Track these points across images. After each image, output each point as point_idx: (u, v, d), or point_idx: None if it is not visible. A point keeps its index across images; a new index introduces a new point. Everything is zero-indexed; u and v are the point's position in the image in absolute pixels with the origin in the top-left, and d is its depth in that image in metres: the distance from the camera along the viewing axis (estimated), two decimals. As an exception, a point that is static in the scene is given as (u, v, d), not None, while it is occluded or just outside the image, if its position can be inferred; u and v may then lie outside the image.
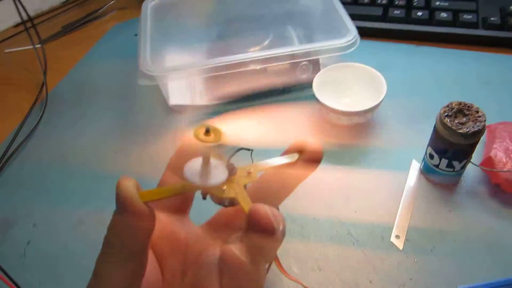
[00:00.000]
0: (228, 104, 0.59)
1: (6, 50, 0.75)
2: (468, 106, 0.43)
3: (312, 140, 0.30)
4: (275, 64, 0.54)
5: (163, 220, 0.30)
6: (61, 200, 0.51)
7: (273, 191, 0.30)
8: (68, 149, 0.57)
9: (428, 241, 0.43)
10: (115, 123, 0.60)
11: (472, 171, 0.47)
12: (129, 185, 0.25)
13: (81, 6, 0.86)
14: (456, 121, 0.42)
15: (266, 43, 0.60)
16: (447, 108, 0.43)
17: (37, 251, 0.47)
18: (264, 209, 0.24)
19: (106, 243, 0.26)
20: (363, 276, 0.41)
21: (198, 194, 0.31)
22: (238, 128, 0.28)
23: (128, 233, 0.25)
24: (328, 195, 0.48)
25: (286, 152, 0.29)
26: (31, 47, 0.69)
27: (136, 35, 0.75)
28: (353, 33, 0.54)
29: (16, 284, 0.43)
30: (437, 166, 0.46)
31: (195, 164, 0.26)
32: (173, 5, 0.67)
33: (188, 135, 0.29)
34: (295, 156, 0.29)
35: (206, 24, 0.67)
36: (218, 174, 0.26)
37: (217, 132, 0.25)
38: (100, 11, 0.82)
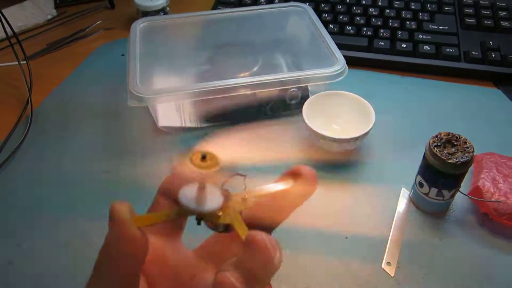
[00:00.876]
0: (218, 126, 0.59)
1: (-11, 66, 0.73)
2: (456, 137, 0.44)
3: (307, 168, 0.30)
4: (264, 90, 0.55)
5: (155, 243, 0.29)
6: (47, 221, 0.49)
7: (267, 217, 0.30)
8: (54, 168, 0.55)
9: (419, 269, 0.44)
10: (103, 142, 0.59)
11: (460, 199, 0.49)
12: (123, 210, 0.25)
13: (66, 24, 0.85)
14: (446, 151, 0.43)
15: (255, 69, 0.61)
16: (436, 138, 0.45)
17: (20, 272, 0.45)
18: (262, 237, 0.24)
19: (97, 267, 0.25)
20: (354, 304, 0.41)
21: (191, 218, 0.30)
22: (232, 152, 0.28)
23: (120, 259, 0.25)
24: (319, 220, 0.48)
25: (281, 179, 0.29)
26: (15, 63, 0.68)
27: (123, 55, 0.75)
28: (341, 62, 0.56)
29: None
30: (426, 194, 0.47)
31: (190, 189, 0.26)
32: (162, 27, 0.67)
33: (180, 160, 0.29)
34: (290, 183, 0.29)
35: (195, 47, 0.68)
36: (213, 199, 0.26)
37: (213, 158, 0.25)
38: (86, 30, 0.82)
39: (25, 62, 0.69)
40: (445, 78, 0.67)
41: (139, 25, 0.65)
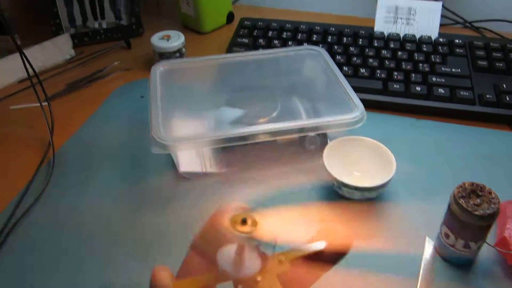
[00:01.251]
0: (238, 172, 0.60)
1: (12, 107, 0.75)
2: (481, 187, 0.45)
3: (340, 229, 0.30)
4: (284, 137, 0.56)
5: None
6: (70, 268, 0.50)
7: (299, 279, 0.31)
8: (76, 214, 0.56)
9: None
10: (124, 188, 0.59)
11: (486, 250, 0.48)
12: (165, 277, 0.25)
13: (84, 65, 0.87)
14: (471, 202, 0.44)
15: (274, 114, 0.62)
16: (461, 189, 0.45)
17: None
18: None
19: None
20: None
21: None
22: (255, 204, 0.28)
23: None
24: (343, 271, 0.48)
25: (314, 239, 0.30)
26: (37, 104, 0.69)
27: (142, 96, 0.76)
28: (360, 108, 0.57)
29: None
30: (453, 246, 0.46)
31: (228, 251, 0.26)
32: (180, 71, 0.69)
33: (217, 216, 0.30)
34: (324, 243, 0.30)
35: (213, 91, 0.69)
36: (251, 263, 0.26)
37: (254, 223, 0.25)
38: (104, 71, 0.84)
39: (46, 103, 0.71)
40: (461, 121, 0.68)
41: (159, 69, 0.66)
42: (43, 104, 0.69)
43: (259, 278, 0.26)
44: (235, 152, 0.59)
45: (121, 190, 0.59)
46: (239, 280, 0.26)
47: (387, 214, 0.54)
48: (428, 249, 0.50)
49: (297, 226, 0.29)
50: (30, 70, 0.69)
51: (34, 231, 0.54)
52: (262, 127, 0.55)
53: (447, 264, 0.49)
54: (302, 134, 0.57)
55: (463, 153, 0.62)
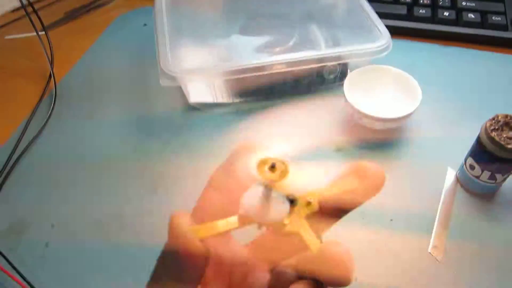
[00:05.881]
0: (252, 102, 0.57)
1: (7, 37, 0.70)
2: (515, 119, 0.42)
3: (373, 166, 0.28)
4: (300, 68, 0.52)
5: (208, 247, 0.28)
6: (79, 200, 0.48)
7: (326, 217, 0.28)
8: (82, 145, 0.54)
9: (467, 253, 0.42)
10: (132, 118, 0.57)
11: (509, 182, 0.46)
12: (183, 224, 0.23)
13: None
14: (504, 135, 0.41)
15: (291, 43, 0.58)
16: (493, 121, 0.42)
17: (57, 253, 0.44)
18: (339, 249, 0.22)
19: (155, 277, 0.24)
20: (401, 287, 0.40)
21: None
22: (270, 135, 0.26)
23: (181, 272, 0.23)
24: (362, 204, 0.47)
25: (344, 176, 0.27)
26: (34, 34, 0.65)
27: (145, 25, 0.71)
28: (385, 36, 0.52)
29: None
30: (477, 177, 0.44)
31: (252, 195, 0.24)
32: (189, -3, 0.63)
33: (236, 154, 0.27)
34: (355, 182, 0.27)
35: (225, 19, 0.64)
36: (279, 208, 0.24)
37: (283, 169, 0.22)
38: (104, -3, 0.78)
39: (43, 32, 0.66)
40: (491, 48, 0.63)
41: (165, -5, 0.61)
42: (40, 33, 0.64)
43: (286, 222, 0.24)
44: (248, 82, 0.56)
45: (128, 121, 0.56)
46: (264, 224, 0.24)
47: (408, 144, 0.52)
48: (450, 179, 0.48)
49: (323, 174, 0.27)
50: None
51: (38, 164, 0.52)
52: (278, 58, 0.51)
53: (469, 195, 0.47)
54: (322, 65, 0.52)
55: (494, 82, 0.58)
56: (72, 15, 0.75)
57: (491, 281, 0.41)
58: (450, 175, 0.49)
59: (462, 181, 0.47)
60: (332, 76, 0.56)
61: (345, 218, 0.46)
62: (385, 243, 0.44)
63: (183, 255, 0.23)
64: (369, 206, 0.46)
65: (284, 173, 0.22)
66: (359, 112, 0.49)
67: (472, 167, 0.45)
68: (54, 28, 0.72)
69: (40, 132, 0.55)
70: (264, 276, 0.26)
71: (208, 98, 0.57)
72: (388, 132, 0.52)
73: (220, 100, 0.57)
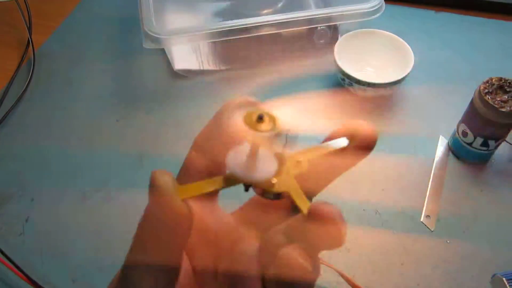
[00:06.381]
0: (239, 69, 0.55)
1: (-18, 1, 0.67)
2: (509, 83, 0.41)
3: (365, 124, 0.26)
4: (291, 29, 0.50)
5: (192, 208, 0.27)
6: (60, 172, 0.47)
7: (316, 178, 0.27)
8: (62, 115, 0.52)
9: (460, 222, 0.42)
10: (114, 87, 0.55)
11: (502, 149, 0.46)
12: (166, 181, 0.21)
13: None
14: (498, 99, 0.40)
15: (279, 5, 0.56)
16: (487, 84, 0.41)
17: (37, 228, 0.43)
18: (329, 209, 0.21)
19: (136, 243, 0.22)
20: (394, 258, 0.40)
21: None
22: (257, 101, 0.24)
23: (163, 236, 0.22)
24: (353, 172, 0.46)
25: (333, 136, 0.26)
26: (11, -1, 0.62)
27: (129, -12, 0.68)
28: (378, -5, 0.50)
29: (15, 264, 0.39)
30: (470, 144, 0.44)
31: (239, 153, 0.22)
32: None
33: (219, 114, 0.26)
34: (345, 141, 0.25)
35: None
36: (266, 165, 0.22)
37: (272, 120, 0.21)
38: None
39: (20, -3, 0.63)
40: (484, 14, 0.61)
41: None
42: (19, -1, 0.61)
43: (274, 181, 0.22)
44: (235, 47, 0.54)
45: (110, 90, 0.54)
46: (254, 183, 0.22)
47: (400, 112, 0.51)
48: (441, 147, 0.47)
49: (318, 118, 0.25)
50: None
51: (17, 135, 0.50)
52: (266, 18, 0.49)
53: (461, 163, 0.46)
54: (312, 26, 0.50)
55: (487, 48, 0.57)
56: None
57: (484, 249, 0.40)
58: (442, 144, 0.48)
59: (454, 149, 0.46)
60: (322, 41, 0.54)
61: (335, 186, 0.45)
62: (377, 213, 0.43)
63: (166, 215, 0.21)
64: (361, 175, 0.45)
65: (273, 123, 0.20)
66: (350, 77, 0.48)
67: (464, 134, 0.44)
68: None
69: (17, 102, 0.52)
70: (252, 244, 0.25)
71: (194, 65, 0.55)
72: (379, 99, 0.51)
73: (207, 67, 0.55)
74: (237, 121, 0.21)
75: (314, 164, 0.26)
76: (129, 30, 0.60)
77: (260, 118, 0.20)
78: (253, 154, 0.21)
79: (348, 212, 0.43)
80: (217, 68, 0.55)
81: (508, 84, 0.40)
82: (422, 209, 0.43)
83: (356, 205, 0.43)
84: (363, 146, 0.25)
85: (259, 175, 0.21)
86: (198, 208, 0.26)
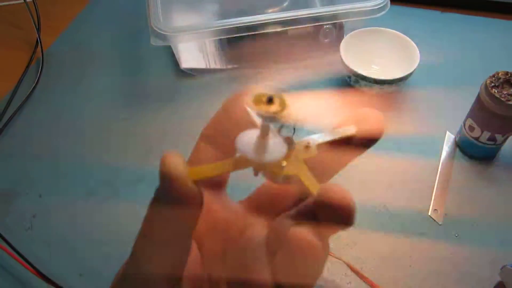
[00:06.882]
0: (246, 68, 0.55)
1: (-8, 4, 0.68)
2: (516, 76, 0.41)
3: (373, 112, 0.26)
4: (296, 27, 0.50)
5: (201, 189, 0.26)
6: (68, 169, 0.47)
7: (324, 166, 0.27)
8: (70, 114, 0.52)
9: (468, 216, 0.42)
10: (122, 86, 0.55)
11: (509, 143, 0.45)
12: (177, 162, 0.21)
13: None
14: (505, 92, 0.40)
15: (285, 4, 0.56)
16: (494, 78, 0.41)
17: (44, 224, 0.43)
18: (339, 188, 0.21)
19: (146, 225, 0.22)
20: (402, 251, 0.40)
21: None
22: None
23: (174, 218, 0.22)
24: (361, 167, 0.46)
25: (342, 123, 0.26)
26: (21, 1, 0.63)
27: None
28: (384, -6, 0.50)
29: (23, 258, 0.39)
30: (477, 138, 0.44)
31: (248, 136, 0.22)
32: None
33: (229, 101, 0.26)
34: (353, 129, 0.25)
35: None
36: (276, 148, 0.22)
37: (282, 102, 0.21)
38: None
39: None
40: (489, 14, 0.62)
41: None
42: (28, 0, 0.62)
43: (284, 164, 0.22)
44: (241, 46, 0.54)
45: (118, 87, 0.55)
46: (261, 165, 0.22)
47: (406, 108, 0.51)
48: (448, 143, 0.47)
49: (325, 111, 0.25)
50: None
51: (25, 133, 0.51)
52: (272, 16, 0.49)
53: (469, 159, 0.46)
54: (317, 24, 0.51)
55: (492, 47, 0.57)
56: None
57: (493, 243, 0.40)
58: (449, 140, 0.48)
59: (461, 145, 0.46)
60: (328, 40, 0.54)
61: (341, 181, 0.45)
62: (385, 208, 0.43)
63: (177, 195, 0.21)
64: (368, 172, 0.45)
65: (283, 104, 0.20)
66: (356, 74, 0.48)
67: (471, 128, 0.44)
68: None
69: (26, 100, 0.53)
70: (260, 230, 0.25)
71: (201, 64, 0.55)
72: (385, 97, 0.51)
73: (213, 66, 0.55)
74: (247, 107, 0.21)
75: (323, 149, 0.26)
76: (137, 31, 0.61)
77: (270, 100, 0.21)
78: (263, 135, 0.22)
79: (356, 206, 0.43)
80: (224, 67, 0.55)
81: (514, 78, 0.41)
82: (430, 204, 0.43)
83: (364, 201, 0.43)
84: (369, 135, 0.25)
85: (269, 156, 0.21)
86: (206, 197, 0.27)
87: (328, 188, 0.21)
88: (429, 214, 0.42)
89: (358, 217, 0.45)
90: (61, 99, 0.54)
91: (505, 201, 0.43)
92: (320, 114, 0.23)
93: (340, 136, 0.25)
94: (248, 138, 0.22)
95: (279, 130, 0.23)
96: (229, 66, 0.55)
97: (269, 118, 0.21)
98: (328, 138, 0.25)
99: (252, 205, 0.28)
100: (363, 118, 0.25)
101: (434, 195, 0.43)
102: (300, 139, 0.24)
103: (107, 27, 0.63)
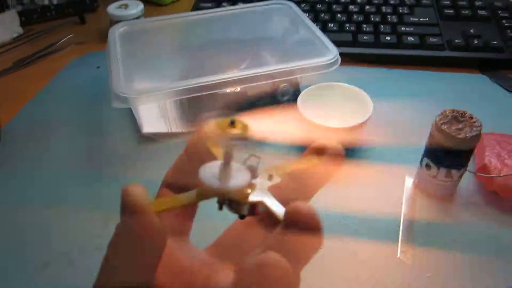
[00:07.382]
0: (207, 129, 0.56)
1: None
2: (462, 113, 0.43)
3: (333, 143, 0.27)
4: (253, 84, 0.52)
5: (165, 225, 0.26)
6: (24, 241, 0.45)
7: (293, 197, 0.27)
8: (30, 188, 0.50)
9: (436, 254, 0.41)
10: (82, 156, 0.54)
11: (465, 181, 0.47)
12: (140, 193, 0.21)
13: (33, 42, 0.80)
14: (454, 128, 0.42)
15: (243, 66, 0.59)
16: (442, 116, 0.43)
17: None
18: (307, 207, 0.21)
19: (106, 264, 0.21)
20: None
21: (201, 213, 0.27)
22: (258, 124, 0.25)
23: (136, 252, 0.21)
24: (325, 216, 0.45)
25: (304, 156, 0.27)
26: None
27: (98, 67, 0.71)
28: (334, 51, 0.54)
29: None
30: (435, 177, 0.45)
31: (211, 166, 0.22)
32: (142, 31, 0.64)
33: (189, 143, 0.26)
34: (314, 160, 0.26)
35: (178, 49, 0.65)
36: (239, 176, 0.22)
37: (243, 126, 0.21)
38: (56, 45, 0.78)
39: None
40: (431, 68, 0.67)
41: (118, 29, 0.61)
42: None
43: (248, 191, 0.22)
44: (202, 110, 0.55)
45: (79, 156, 0.54)
46: (225, 194, 0.22)
47: (367, 156, 0.52)
48: (408, 187, 0.48)
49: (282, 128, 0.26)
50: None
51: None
52: (230, 75, 0.51)
53: (429, 199, 0.47)
54: (275, 80, 0.53)
55: (437, 97, 0.60)
56: (21, 63, 0.73)
57: (462, 280, 0.39)
58: (409, 183, 0.49)
59: (421, 185, 0.47)
60: (285, 98, 0.57)
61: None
62: (353, 252, 0.42)
63: (139, 232, 0.20)
64: (333, 217, 0.45)
65: (245, 126, 0.21)
66: (314, 124, 0.49)
67: (428, 167, 0.45)
68: (1, 77, 0.70)
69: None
70: (227, 276, 0.24)
71: (162, 128, 0.56)
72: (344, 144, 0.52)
73: (175, 129, 0.56)
74: (213, 128, 0.21)
75: (286, 181, 0.26)
76: (97, 105, 0.61)
77: (232, 123, 0.21)
78: (227, 162, 0.22)
79: (324, 252, 0.42)
80: (185, 130, 0.56)
81: (460, 114, 0.43)
82: (397, 246, 0.42)
83: (332, 247, 0.42)
84: (330, 165, 0.26)
85: (233, 182, 0.21)
86: (170, 245, 0.26)
87: (294, 208, 0.20)
88: (398, 256, 0.41)
89: (326, 267, 0.44)
90: (20, 174, 0.52)
91: (469, 237, 0.43)
92: (278, 132, 0.24)
93: (303, 164, 0.25)
94: (210, 169, 0.22)
95: (244, 161, 0.23)
96: (191, 130, 0.56)
97: (234, 141, 0.21)
98: (291, 167, 0.25)
99: (218, 250, 0.27)
100: (322, 149, 0.26)
101: (401, 237, 0.43)
102: (263, 169, 0.24)
103: (67, 103, 0.63)
